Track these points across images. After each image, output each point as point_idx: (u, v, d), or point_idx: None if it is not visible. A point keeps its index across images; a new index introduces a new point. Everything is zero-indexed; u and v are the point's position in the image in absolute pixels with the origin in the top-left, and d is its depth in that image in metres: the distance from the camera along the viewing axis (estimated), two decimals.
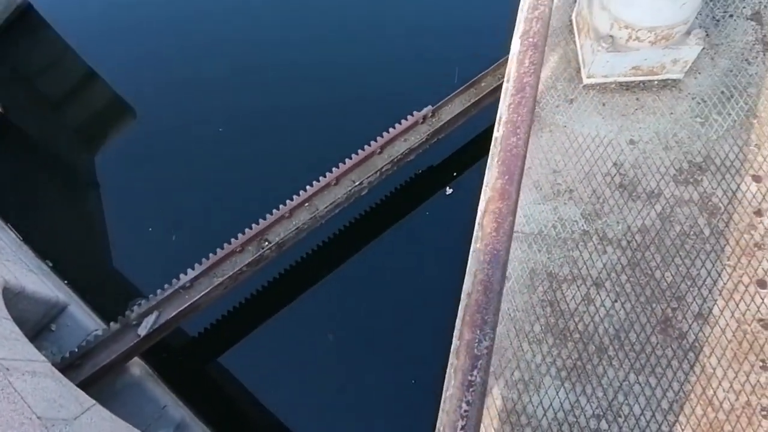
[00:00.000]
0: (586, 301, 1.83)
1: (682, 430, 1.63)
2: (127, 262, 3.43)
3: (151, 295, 2.90)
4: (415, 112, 4.07)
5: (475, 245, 0.62)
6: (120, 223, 3.61)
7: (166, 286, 2.93)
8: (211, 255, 3.11)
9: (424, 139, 4.15)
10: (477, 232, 0.65)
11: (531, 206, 2.02)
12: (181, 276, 2.95)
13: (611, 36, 2.08)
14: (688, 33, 2.06)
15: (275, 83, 4.19)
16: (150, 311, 2.85)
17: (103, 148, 4.32)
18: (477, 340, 0.56)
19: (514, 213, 0.65)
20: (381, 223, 3.90)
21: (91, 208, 3.93)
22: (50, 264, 3.33)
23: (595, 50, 2.11)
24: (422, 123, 4.24)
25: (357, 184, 3.89)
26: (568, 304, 1.84)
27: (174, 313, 2.89)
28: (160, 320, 2.86)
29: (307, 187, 3.78)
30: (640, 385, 1.70)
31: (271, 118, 4.01)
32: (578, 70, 2.28)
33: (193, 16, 4.64)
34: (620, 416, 1.66)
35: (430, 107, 4.20)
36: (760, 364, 1.69)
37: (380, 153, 3.88)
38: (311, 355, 3.28)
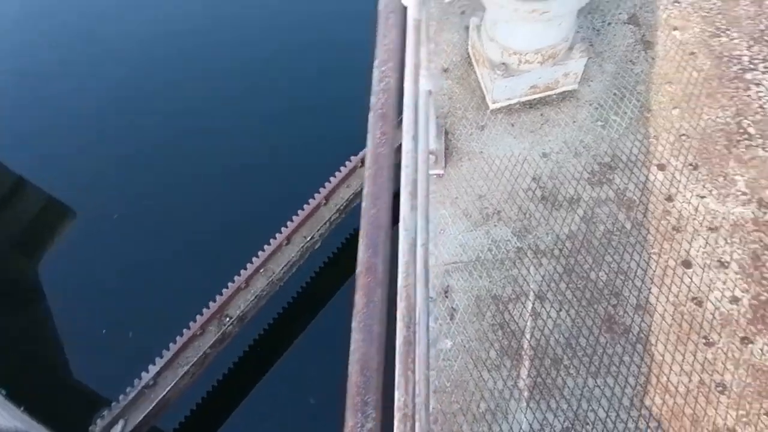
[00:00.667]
0: (533, 316, 1.89)
1: (647, 422, 1.67)
2: (85, 372, 3.29)
3: (113, 403, 2.77)
4: (352, 157, 4.15)
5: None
6: (72, 330, 3.47)
7: (128, 389, 2.81)
8: (170, 345, 3.02)
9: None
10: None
11: (464, 235, 2.08)
12: (143, 374, 2.85)
13: (504, 63, 2.23)
14: (572, 48, 2.23)
15: (205, 152, 4.21)
16: (115, 420, 2.73)
17: (44, 255, 4.19)
18: (359, 425, 0.57)
19: (383, 284, 0.68)
20: (340, 274, 3.91)
21: (39, 321, 3.78)
22: (4, 392, 3.15)
23: (493, 78, 2.24)
24: (362, 166, 4.32)
25: (309, 239, 3.90)
26: (517, 323, 1.88)
27: (142, 417, 2.77)
28: (128, 428, 2.73)
29: (259, 252, 3.75)
30: (599, 387, 1.74)
31: (208, 191, 4.01)
32: (483, 98, 2.41)
33: (113, 105, 4.65)
34: (588, 423, 1.69)
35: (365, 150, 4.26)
36: (703, 341, 1.77)
37: (326, 204, 3.92)
38: (296, 425, 3.19)
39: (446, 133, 2.34)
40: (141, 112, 4.51)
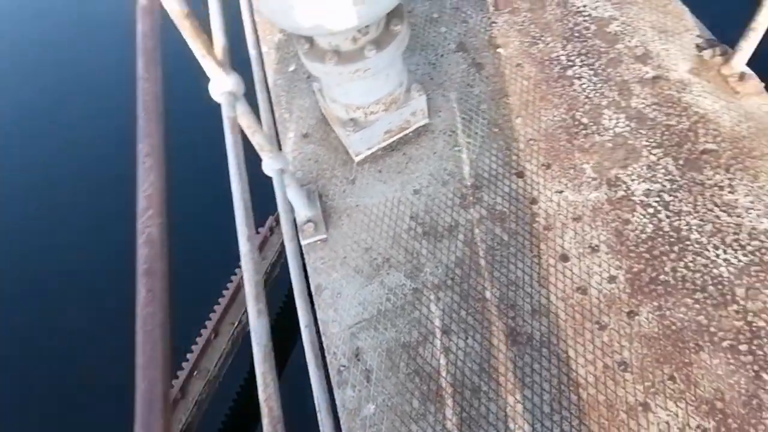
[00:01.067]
0: (444, 353, 1.91)
1: (570, 422, 1.72)
2: None
3: None
4: (260, 228, 4.09)
5: None
6: None
7: None
8: None
9: (280, 250, 4.17)
10: None
11: (361, 292, 2.09)
12: None
13: (352, 119, 2.31)
14: (409, 90, 2.36)
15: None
16: None
17: None
18: None
19: None
20: (280, 354, 3.77)
21: None
22: None
23: (347, 134, 2.32)
24: (272, 235, 4.28)
25: (237, 325, 3.76)
26: (431, 365, 1.89)
27: None
28: None
29: (188, 354, 3.56)
30: (520, 403, 1.78)
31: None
32: (347, 152, 2.48)
33: None
34: None
35: (271, 218, 4.26)
36: (597, 326, 1.87)
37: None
38: None
39: (320, 196, 2.37)
40: None
